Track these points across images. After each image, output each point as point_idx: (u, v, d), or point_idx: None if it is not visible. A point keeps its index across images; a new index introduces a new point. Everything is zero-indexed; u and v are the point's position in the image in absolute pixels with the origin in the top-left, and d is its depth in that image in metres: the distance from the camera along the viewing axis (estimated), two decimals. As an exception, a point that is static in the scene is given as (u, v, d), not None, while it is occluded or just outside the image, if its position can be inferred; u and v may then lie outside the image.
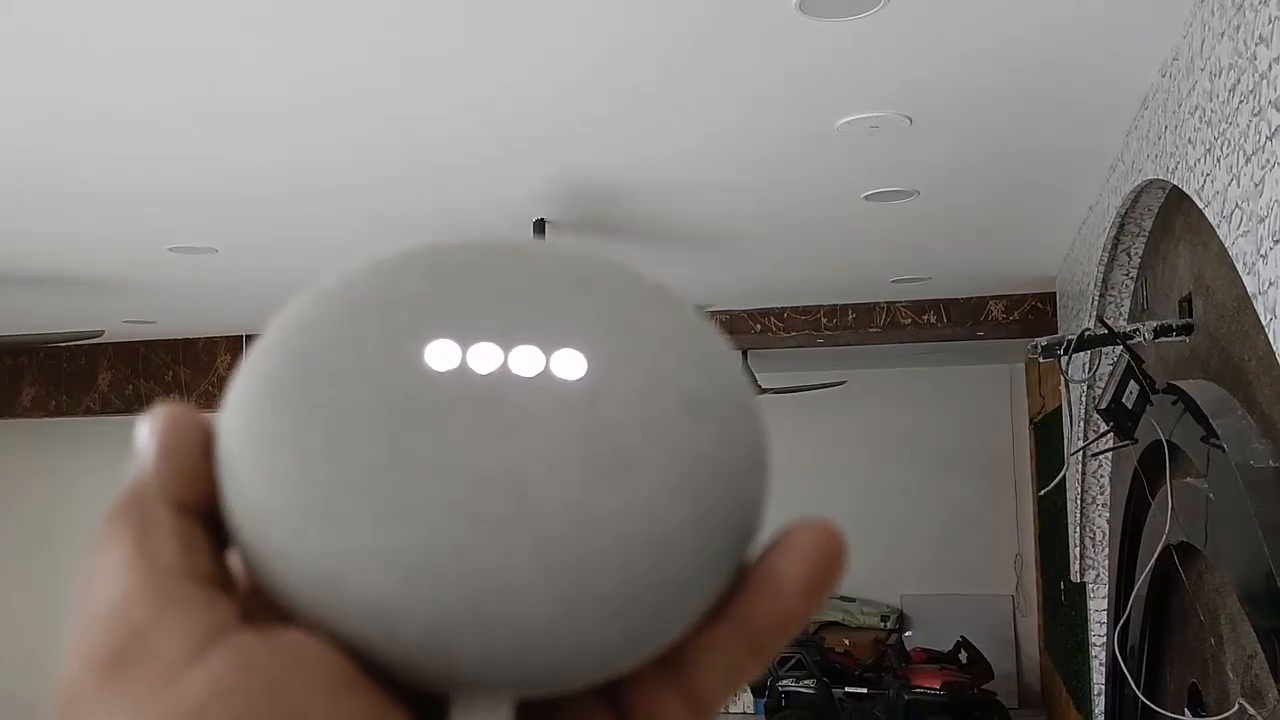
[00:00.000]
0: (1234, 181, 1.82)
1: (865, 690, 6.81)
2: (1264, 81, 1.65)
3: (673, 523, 0.25)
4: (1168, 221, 3.00)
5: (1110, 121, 2.78)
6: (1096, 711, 4.09)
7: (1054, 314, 5.21)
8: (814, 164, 3.07)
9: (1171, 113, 2.29)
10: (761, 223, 3.80)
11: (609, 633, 0.25)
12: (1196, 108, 2.07)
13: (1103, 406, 2.84)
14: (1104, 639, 4.01)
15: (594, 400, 0.25)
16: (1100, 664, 4.12)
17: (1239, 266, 1.81)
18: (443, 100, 2.50)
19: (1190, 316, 2.69)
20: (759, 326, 5.66)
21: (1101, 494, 4.04)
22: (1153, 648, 3.13)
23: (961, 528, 8.26)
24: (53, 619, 7.74)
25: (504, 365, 0.26)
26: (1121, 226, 3.21)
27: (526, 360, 0.26)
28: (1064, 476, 4.13)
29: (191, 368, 6.51)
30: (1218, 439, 2.18)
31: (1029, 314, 5.43)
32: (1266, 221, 1.65)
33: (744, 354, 5.99)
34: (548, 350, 0.26)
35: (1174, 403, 2.52)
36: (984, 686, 6.90)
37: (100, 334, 4.77)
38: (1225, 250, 1.91)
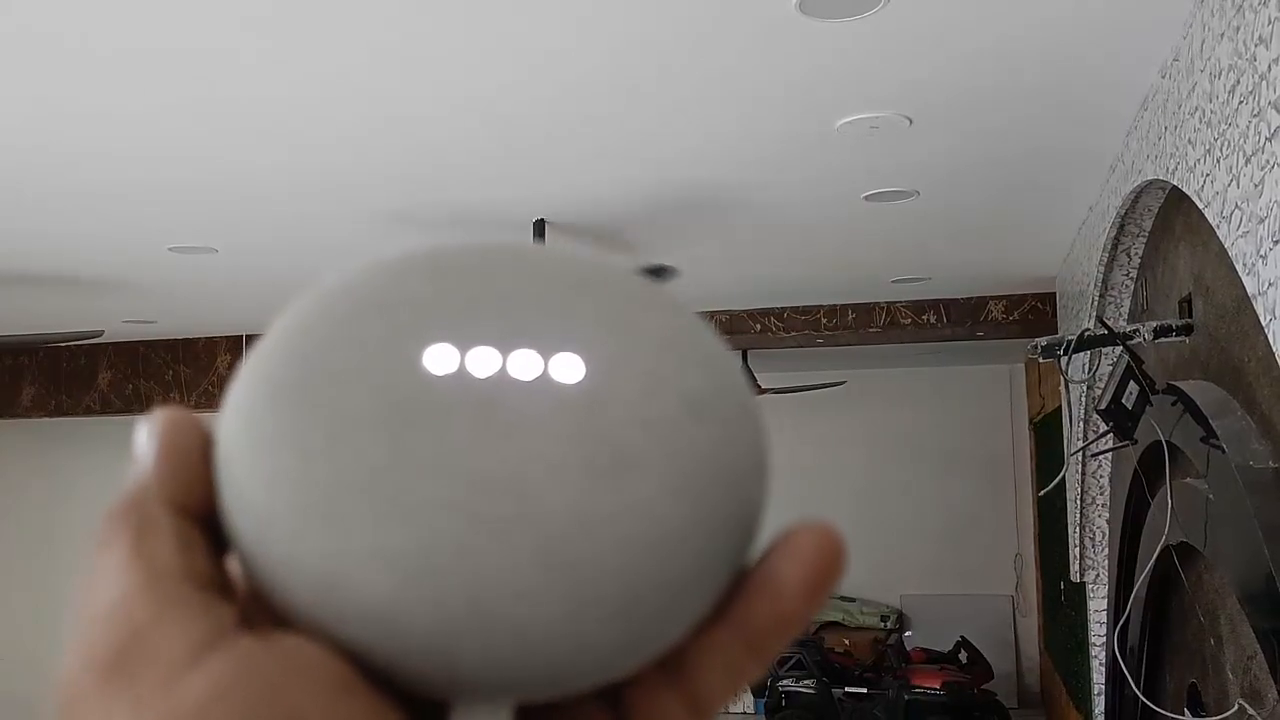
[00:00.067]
0: (1234, 182, 1.82)
1: (865, 690, 6.81)
2: (1264, 82, 1.65)
3: (673, 523, 0.25)
4: (1168, 222, 3.00)
5: (1110, 122, 2.78)
6: (1096, 711, 4.09)
7: (1054, 314, 5.21)
8: (814, 164, 3.08)
9: (1171, 113, 2.29)
10: (761, 223, 3.80)
11: (610, 634, 0.25)
12: (1196, 108, 2.07)
13: (1102, 407, 2.84)
14: (1104, 639, 4.02)
15: (594, 402, 0.25)
16: (1100, 664, 4.12)
17: (1239, 267, 1.81)
18: (443, 100, 2.51)
19: (1190, 317, 2.69)
20: (759, 326, 5.66)
21: (1101, 494, 4.04)
22: (1152, 648, 3.13)
23: (961, 528, 8.26)
24: (53, 619, 7.74)
25: (503, 369, 0.26)
26: (1121, 227, 3.21)
27: (526, 363, 0.26)
28: (1064, 477, 4.13)
29: (191, 367, 6.51)
30: (1217, 439, 2.18)
31: (1029, 314, 5.43)
32: (1266, 222, 1.65)
33: (744, 354, 5.99)
34: (547, 353, 0.26)
35: (1174, 403, 2.52)
36: (984, 686, 6.90)
37: (100, 334, 4.77)
38: (1225, 251, 1.91)
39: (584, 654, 0.25)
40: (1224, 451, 2.13)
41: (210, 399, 6.41)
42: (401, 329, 0.26)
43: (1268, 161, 1.64)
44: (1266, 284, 1.67)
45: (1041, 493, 4.54)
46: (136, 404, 6.60)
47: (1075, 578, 4.40)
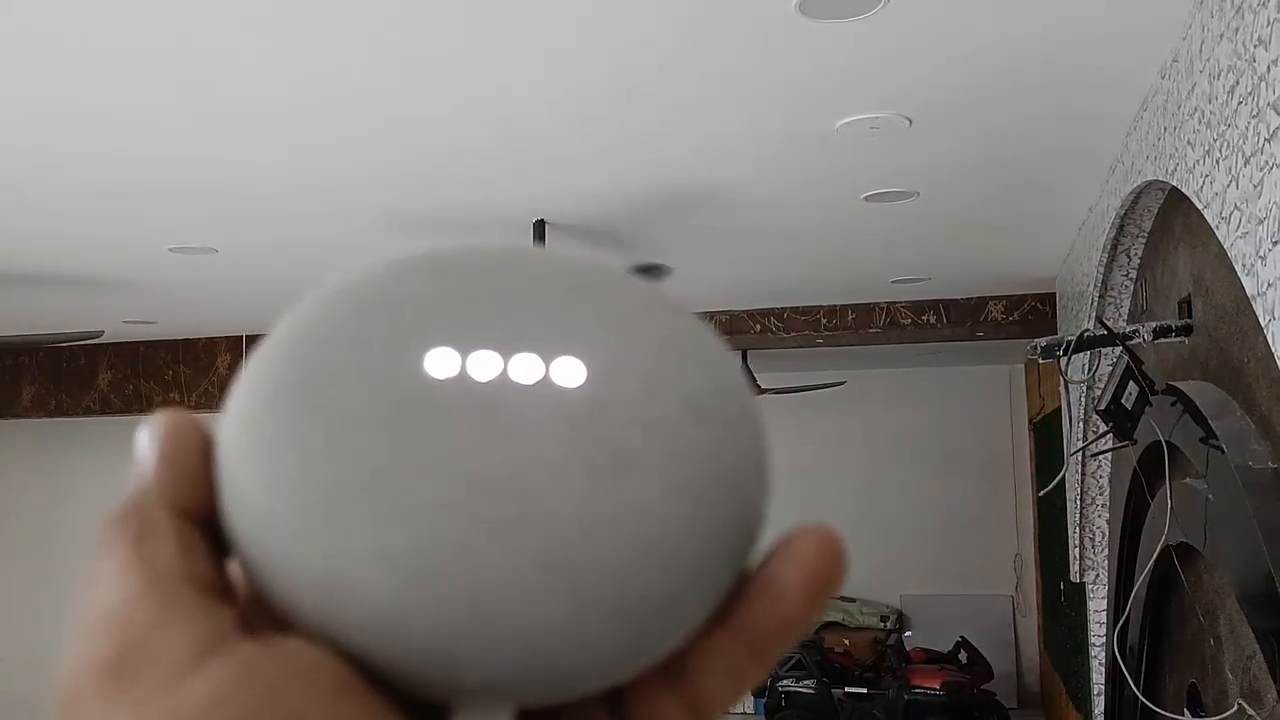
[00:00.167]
0: (1233, 183, 1.82)
1: (865, 690, 6.82)
2: (1263, 83, 1.65)
3: (674, 525, 0.25)
4: (1167, 223, 3.00)
5: (1110, 123, 2.78)
6: (1096, 711, 4.09)
7: (1053, 315, 5.22)
8: (814, 164, 3.08)
9: (1171, 114, 2.29)
10: (761, 223, 3.80)
11: (611, 637, 0.25)
12: (1196, 109, 2.07)
13: (1102, 407, 2.84)
14: (1103, 639, 4.02)
15: (594, 404, 0.25)
16: (1100, 664, 4.12)
17: (1238, 268, 1.82)
18: (443, 100, 2.51)
19: (1189, 318, 2.69)
20: (759, 327, 5.66)
21: (1101, 495, 4.04)
22: (1152, 648, 3.13)
23: (961, 528, 8.26)
24: (52, 618, 7.74)
25: (504, 372, 0.26)
26: (1121, 228, 3.21)
27: (526, 366, 0.26)
28: (1063, 477, 4.13)
29: (192, 368, 6.51)
30: (1217, 440, 2.18)
31: (1028, 315, 5.43)
32: (1265, 223, 1.66)
33: (744, 354, 6.00)
34: (548, 357, 0.26)
35: (1173, 404, 2.52)
36: (984, 687, 6.90)
37: (100, 334, 4.77)
38: (1224, 251, 1.91)
39: (585, 656, 0.25)
40: (1223, 452, 2.13)
41: (210, 399, 6.41)
42: (403, 332, 0.26)
43: (1267, 162, 1.64)
44: (1266, 285, 1.67)
45: (1041, 493, 4.54)
46: (136, 404, 6.60)
47: (1075, 578, 4.40)
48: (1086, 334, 3.03)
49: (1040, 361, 3.28)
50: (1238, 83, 1.78)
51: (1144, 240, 3.28)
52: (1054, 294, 5.22)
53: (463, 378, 0.25)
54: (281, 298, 4.93)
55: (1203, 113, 2.02)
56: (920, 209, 3.61)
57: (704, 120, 2.68)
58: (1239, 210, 1.79)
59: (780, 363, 7.15)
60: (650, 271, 3.75)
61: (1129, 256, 3.38)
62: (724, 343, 0.29)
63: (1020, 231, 4.06)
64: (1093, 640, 4.31)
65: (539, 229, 3.61)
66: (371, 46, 2.19)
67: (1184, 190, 2.21)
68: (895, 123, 2.70)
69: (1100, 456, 3.85)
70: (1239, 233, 1.80)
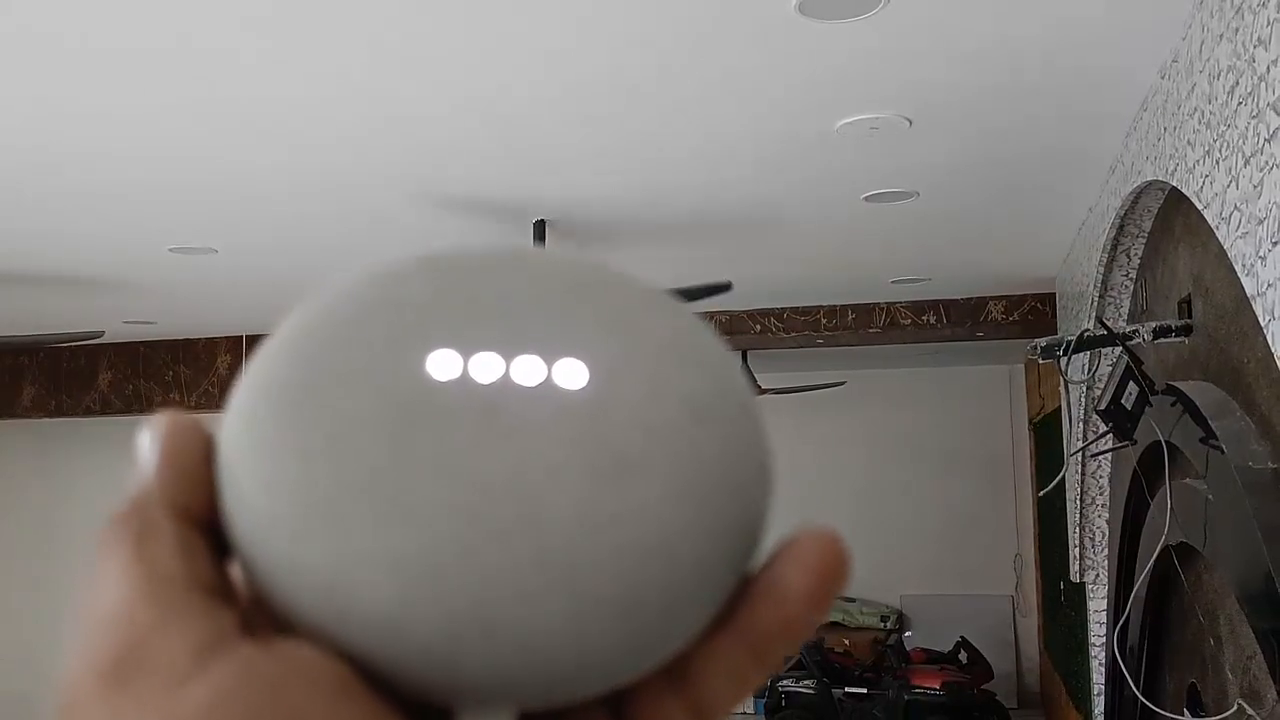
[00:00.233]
0: (1233, 183, 1.82)
1: (865, 690, 6.82)
2: (1262, 84, 1.65)
3: (677, 528, 0.25)
4: (1167, 223, 3.00)
5: (1110, 123, 2.78)
6: (1096, 711, 4.09)
7: (1053, 315, 5.22)
8: (814, 165, 3.08)
9: (1171, 115, 2.29)
10: (761, 223, 3.80)
11: (613, 639, 0.25)
12: (1196, 110, 2.07)
13: (1102, 407, 2.84)
14: (1103, 639, 4.02)
15: (596, 406, 0.25)
16: (1100, 664, 4.12)
17: (1238, 268, 1.82)
18: (443, 100, 2.51)
19: (1189, 318, 2.69)
20: (759, 327, 5.66)
21: (1101, 495, 4.04)
22: (1152, 648, 3.13)
23: (961, 528, 8.26)
24: (52, 618, 7.74)
25: (506, 375, 0.26)
26: (1121, 228, 3.22)
27: (528, 369, 0.26)
28: (1063, 477, 4.13)
29: (192, 368, 6.51)
30: (1217, 440, 2.18)
31: (1028, 315, 5.43)
32: (1265, 223, 1.66)
33: (744, 354, 6.00)
34: (549, 358, 0.26)
35: (1173, 404, 2.52)
36: (984, 687, 6.90)
37: (100, 334, 4.77)
38: (1224, 252, 1.91)
39: (586, 659, 0.25)
40: (1223, 452, 2.13)
41: (210, 399, 6.41)
42: (404, 333, 0.26)
43: (1266, 163, 1.64)
44: (1265, 285, 1.67)
45: (1041, 493, 4.54)
46: (136, 404, 6.60)
47: (1075, 578, 4.40)
48: (1086, 334, 3.03)
49: (1040, 361, 3.28)
50: (1237, 83, 1.78)
51: (1144, 240, 3.28)
52: (1054, 294, 5.22)
53: (465, 379, 0.25)
54: (281, 298, 4.93)
55: (1203, 113, 2.02)
56: (920, 209, 3.61)
57: (704, 120, 2.68)
58: (1239, 210, 1.79)
59: (780, 363, 7.15)
60: (718, 290, 3.67)
61: (1129, 256, 3.38)
62: (725, 345, 0.29)
63: (1020, 231, 4.06)
64: (1093, 640, 4.31)
65: (539, 229, 3.61)
66: (371, 46, 2.19)
67: (1184, 190, 2.21)
68: (895, 123, 2.70)
69: (1100, 456, 3.85)
70: (1239, 233, 1.80)
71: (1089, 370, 3.76)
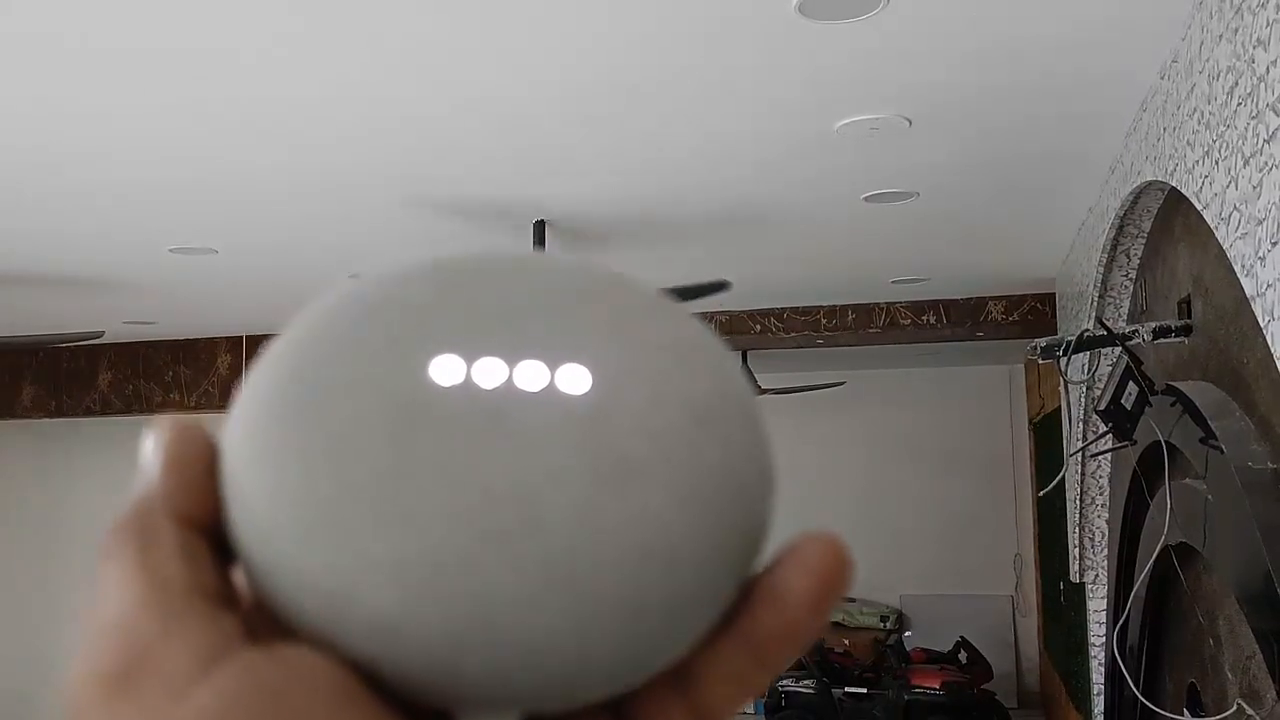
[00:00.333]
0: (1232, 184, 1.83)
1: (865, 690, 6.82)
2: (1262, 84, 1.65)
3: (680, 533, 0.25)
4: (1167, 223, 3.00)
5: (1109, 123, 2.78)
6: (1096, 711, 4.09)
7: (1053, 315, 5.22)
8: (814, 165, 3.08)
9: (1170, 115, 2.29)
10: (761, 224, 3.80)
11: (616, 645, 0.25)
12: (1195, 110, 2.07)
13: (1102, 407, 2.84)
14: (1103, 639, 4.02)
15: (600, 412, 0.25)
16: (1099, 664, 4.12)
17: (1237, 269, 1.82)
18: (443, 100, 2.51)
19: (1189, 318, 2.69)
20: (759, 327, 5.67)
21: (1101, 495, 4.04)
22: (1151, 648, 3.14)
23: (961, 528, 8.27)
24: (53, 618, 7.74)
25: (509, 380, 0.26)
26: (1120, 228, 3.22)
27: (531, 374, 0.26)
28: (1063, 477, 4.13)
29: (192, 368, 6.51)
30: (1216, 440, 2.18)
31: (1028, 315, 5.43)
32: (1265, 224, 1.66)
33: (744, 354, 6.00)
34: (553, 364, 0.26)
35: (1173, 404, 2.52)
36: (983, 687, 6.90)
37: (100, 335, 4.77)
38: (1224, 252, 1.91)
39: (589, 665, 0.25)
40: (1223, 452, 2.13)
41: (210, 400, 6.41)
42: (407, 339, 0.26)
43: (1266, 163, 1.64)
44: (1265, 285, 1.67)
45: (1041, 493, 4.54)
46: (136, 405, 6.60)
47: (1075, 578, 4.40)
48: (1086, 334, 3.03)
49: (1040, 362, 3.28)
50: (1237, 83, 1.78)
51: (1143, 241, 3.28)
52: (1054, 294, 5.22)
53: (468, 385, 0.25)
54: (282, 298, 4.93)
55: (1202, 113, 2.02)
56: (920, 209, 3.61)
57: (704, 121, 2.68)
58: (1238, 211, 1.79)
59: (780, 363, 7.15)
60: (712, 289, 3.68)
61: (1128, 257, 3.38)
62: (728, 349, 0.29)
63: (1020, 232, 4.06)
64: (1092, 640, 4.31)
65: (539, 230, 3.61)
66: (372, 47, 2.19)
67: (1183, 191, 2.21)
68: (895, 123, 2.71)
69: (1100, 457, 3.85)
70: (1238, 233, 1.80)
71: (1089, 370, 3.76)
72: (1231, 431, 2.16)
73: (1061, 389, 3.88)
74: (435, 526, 0.24)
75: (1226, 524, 2.15)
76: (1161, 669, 3.13)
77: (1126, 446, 2.93)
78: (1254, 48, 1.68)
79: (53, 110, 2.50)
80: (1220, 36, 1.87)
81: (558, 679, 0.25)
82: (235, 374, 6.35)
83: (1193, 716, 2.70)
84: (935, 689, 6.64)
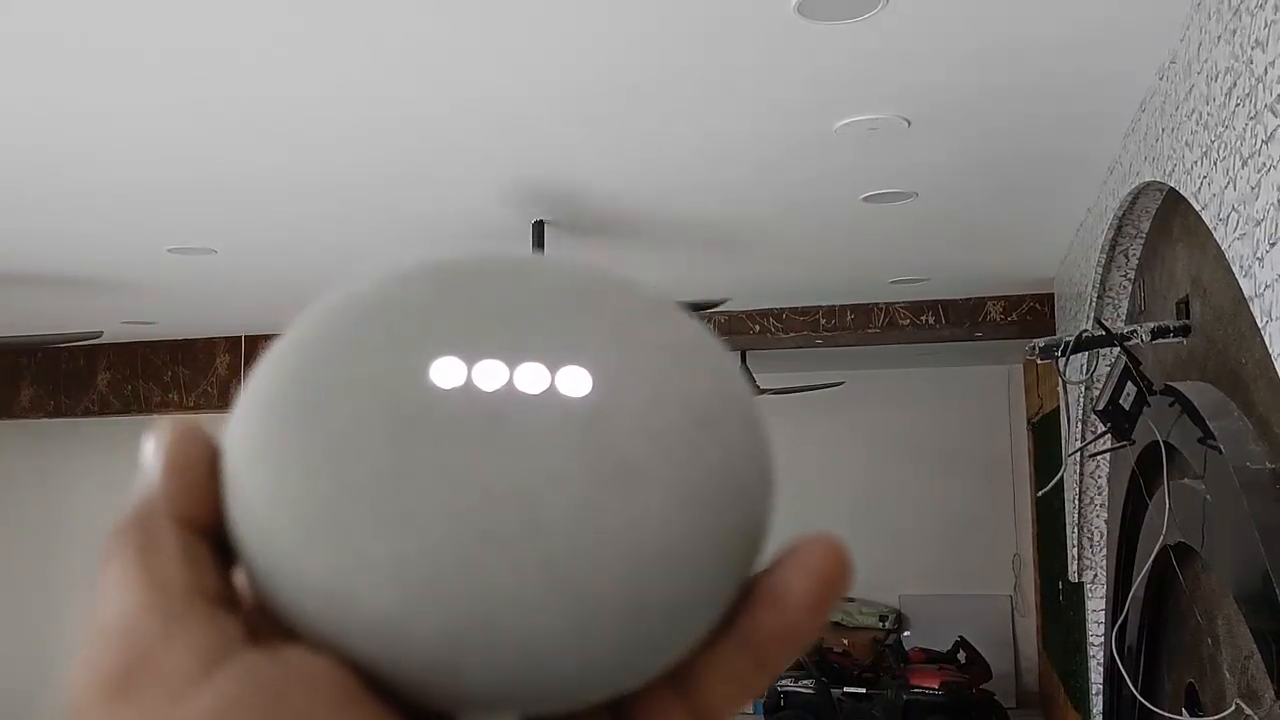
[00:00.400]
0: (1230, 184, 1.83)
1: (864, 690, 6.82)
2: (1260, 85, 1.65)
3: (680, 535, 0.25)
4: (1165, 224, 3.00)
5: (1108, 124, 2.78)
6: (1094, 711, 4.09)
7: (1052, 315, 5.22)
8: (813, 165, 3.08)
9: (1169, 116, 2.29)
10: (760, 224, 3.80)
11: (616, 647, 0.25)
12: (1194, 111, 2.07)
13: (1100, 408, 2.84)
14: (1102, 639, 4.02)
15: (600, 415, 0.26)
16: (1098, 664, 4.12)
17: (1236, 269, 1.82)
18: (442, 100, 2.51)
19: (1187, 318, 2.69)
20: (758, 327, 5.67)
21: (1099, 494, 4.04)
22: (1150, 648, 3.14)
23: (960, 528, 8.27)
24: (52, 618, 7.74)
25: (509, 382, 0.26)
26: (1119, 229, 3.22)
27: (532, 376, 0.26)
28: (1062, 477, 4.13)
29: (191, 368, 6.51)
30: (1215, 440, 2.18)
31: (1027, 315, 5.43)
32: (1263, 224, 1.66)
33: (743, 355, 6.00)
34: (553, 366, 0.26)
35: (1171, 404, 2.52)
36: (982, 686, 6.90)
37: (99, 335, 4.77)
38: (1222, 253, 1.92)
39: (590, 667, 0.25)
40: (1221, 452, 2.14)
41: (209, 400, 6.41)
42: (407, 342, 0.26)
43: (1264, 164, 1.64)
44: (1263, 286, 1.68)
45: (1040, 493, 4.54)
46: (135, 405, 6.60)
47: (1073, 578, 4.41)
48: (1085, 334, 3.03)
49: (1039, 362, 3.29)
50: (1235, 84, 1.78)
51: (1142, 241, 3.28)
52: (1052, 294, 5.22)
53: (468, 387, 0.26)
54: (281, 298, 4.93)
55: (1200, 114, 2.02)
56: (919, 210, 3.61)
57: (703, 121, 2.68)
58: (1236, 212, 1.80)
59: (779, 363, 7.15)
60: (706, 307, 3.69)
61: (1127, 257, 3.38)
62: (727, 351, 0.29)
63: (1019, 232, 4.06)
64: (1091, 640, 4.31)
65: (538, 230, 3.61)
66: (372, 47, 2.19)
67: (1182, 191, 2.21)
68: (894, 124, 2.71)
69: (1099, 457, 3.85)
70: (1236, 234, 1.80)
71: (1087, 370, 3.76)
72: (1230, 431, 2.17)
73: (1060, 389, 3.89)
74: (436, 527, 0.24)
75: (1225, 524, 2.15)
76: (1160, 669, 3.14)
77: (1125, 446, 2.94)
78: (1252, 49, 1.68)
79: (53, 110, 2.50)
80: (1218, 37, 1.87)
81: (558, 680, 0.25)
82: (234, 374, 6.35)
83: (1191, 716, 2.70)
84: (934, 689, 6.65)
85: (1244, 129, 1.74)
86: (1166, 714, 2.88)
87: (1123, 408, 2.76)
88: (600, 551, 0.25)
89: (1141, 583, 2.96)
